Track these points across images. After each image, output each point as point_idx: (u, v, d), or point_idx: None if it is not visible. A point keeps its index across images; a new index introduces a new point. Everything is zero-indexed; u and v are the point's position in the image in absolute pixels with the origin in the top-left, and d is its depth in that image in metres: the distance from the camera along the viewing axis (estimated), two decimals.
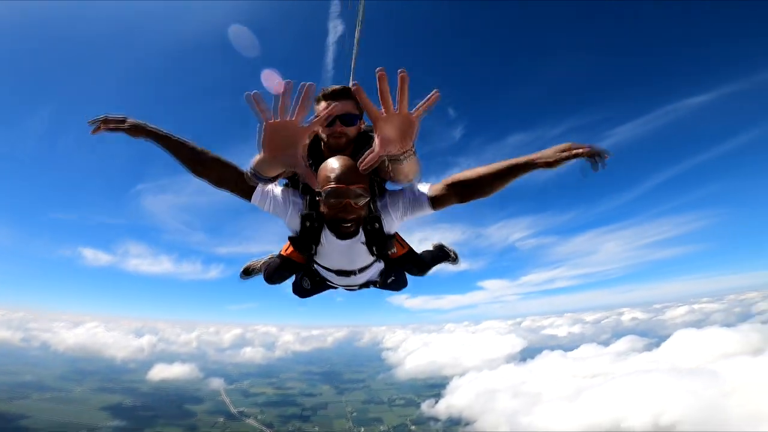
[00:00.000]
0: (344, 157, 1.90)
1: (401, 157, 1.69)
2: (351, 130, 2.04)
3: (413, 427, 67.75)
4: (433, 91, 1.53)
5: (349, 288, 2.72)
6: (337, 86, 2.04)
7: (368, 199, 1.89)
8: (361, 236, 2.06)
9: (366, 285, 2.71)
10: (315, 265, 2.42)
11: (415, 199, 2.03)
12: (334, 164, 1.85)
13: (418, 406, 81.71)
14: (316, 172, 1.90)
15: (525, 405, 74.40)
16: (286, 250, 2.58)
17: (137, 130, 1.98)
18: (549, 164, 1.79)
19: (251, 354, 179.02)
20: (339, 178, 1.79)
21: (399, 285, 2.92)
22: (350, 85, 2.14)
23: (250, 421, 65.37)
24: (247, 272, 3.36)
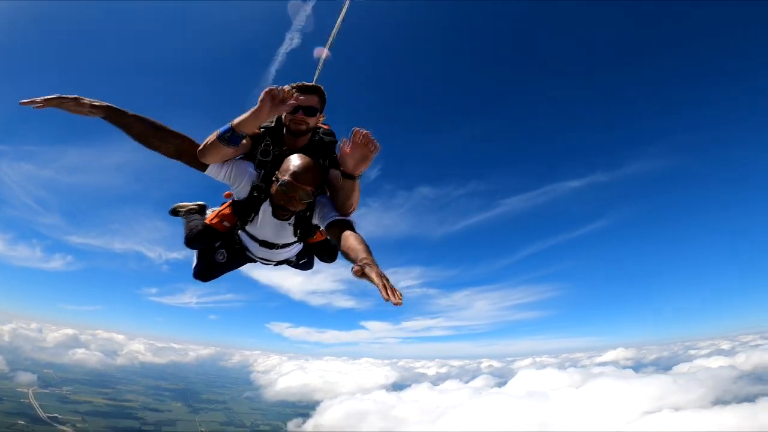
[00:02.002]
0: (307, 157, 2.27)
1: (354, 176, 2.25)
2: (310, 120, 2.42)
3: None
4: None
5: (266, 261, 2.97)
6: (308, 83, 2.46)
7: (311, 200, 2.27)
8: (291, 219, 2.43)
9: (282, 262, 3.02)
10: (242, 232, 2.71)
11: (323, 217, 2.36)
12: (297, 161, 2.22)
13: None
14: (281, 158, 2.35)
15: (391, 427, 76.66)
16: (211, 219, 2.81)
17: (94, 108, 2.16)
18: (364, 277, 1.94)
19: (83, 357, 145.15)
20: (296, 175, 2.16)
21: (308, 266, 3.31)
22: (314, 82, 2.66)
23: (65, 428, 52.14)
24: (175, 212, 3.32)
